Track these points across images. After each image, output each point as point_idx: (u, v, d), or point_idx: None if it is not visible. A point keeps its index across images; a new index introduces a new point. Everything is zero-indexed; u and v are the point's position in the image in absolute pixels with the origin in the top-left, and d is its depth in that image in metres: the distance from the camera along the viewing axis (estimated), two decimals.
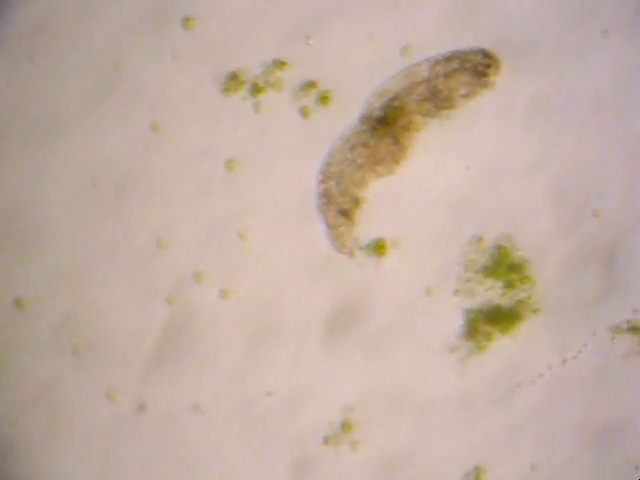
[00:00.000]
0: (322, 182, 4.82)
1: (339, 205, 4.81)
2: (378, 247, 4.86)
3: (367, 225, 4.87)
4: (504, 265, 4.84)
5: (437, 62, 4.84)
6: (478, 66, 4.85)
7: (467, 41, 4.91)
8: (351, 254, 4.83)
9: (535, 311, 4.87)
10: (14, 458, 4.80)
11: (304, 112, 4.82)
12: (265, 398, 4.86)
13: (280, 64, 4.81)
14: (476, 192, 4.91)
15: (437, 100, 4.83)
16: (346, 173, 4.78)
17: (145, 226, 4.86)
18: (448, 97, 4.84)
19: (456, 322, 4.87)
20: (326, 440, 4.86)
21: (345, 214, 4.81)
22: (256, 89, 4.79)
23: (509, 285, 4.85)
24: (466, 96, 4.84)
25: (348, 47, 4.86)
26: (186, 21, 4.84)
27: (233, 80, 4.79)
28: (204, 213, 4.88)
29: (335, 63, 4.85)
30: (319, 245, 4.90)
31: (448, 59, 4.83)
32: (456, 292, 4.87)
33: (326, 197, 4.82)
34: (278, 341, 4.88)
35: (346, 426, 4.87)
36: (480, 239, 4.87)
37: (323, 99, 4.81)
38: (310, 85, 4.81)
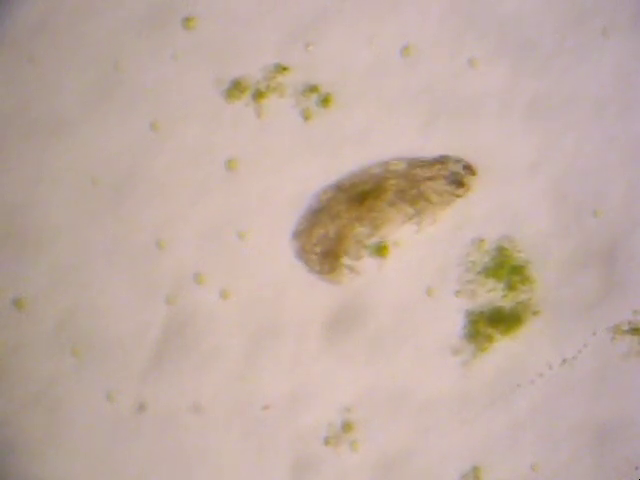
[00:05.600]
0: (296, 237, 4.87)
1: (317, 252, 4.84)
2: (380, 248, 4.86)
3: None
4: (506, 267, 4.85)
5: (417, 164, 4.89)
6: (457, 175, 4.88)
7: (467, 41, 4.91)
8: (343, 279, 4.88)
9: (535, 313, 4.87)
10: (14, 458, 4.80)
11: (305, 115, 4.82)
12: (265, 397, 4.87)
13: (282, 69, 4.80)
14: (476, 192, 4.91)
15: (409, 197, 4.87)
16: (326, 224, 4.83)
17: (145, 226, 4.86)
18: (419, 197, 4.88)
19: (457, 323, 4.87)
20: (326, 440, 4.86)
21: (328, 255, 4.84)
22: (258, 95, 4.79)
23: (510, 287, 4.86)
24: (439, 204, 4.89)
25: (348, 49, 4.86)
26: (186, 21, 4.84)
27: (236, 88, 4.80)
28: (204, 213, 4.87)
29: (335, 65, 4.85)
30: None
31: (428, 165, 4.87)
32: (458, 293, 4.87)
33: (303, 252, 4.85)
34: (278, 341, 4.88)
35: (346, 426, 4.87)
36: (481, 240, 4.88)
37: (324, 102, 4.82)
38: (311, 89, 4.81)
